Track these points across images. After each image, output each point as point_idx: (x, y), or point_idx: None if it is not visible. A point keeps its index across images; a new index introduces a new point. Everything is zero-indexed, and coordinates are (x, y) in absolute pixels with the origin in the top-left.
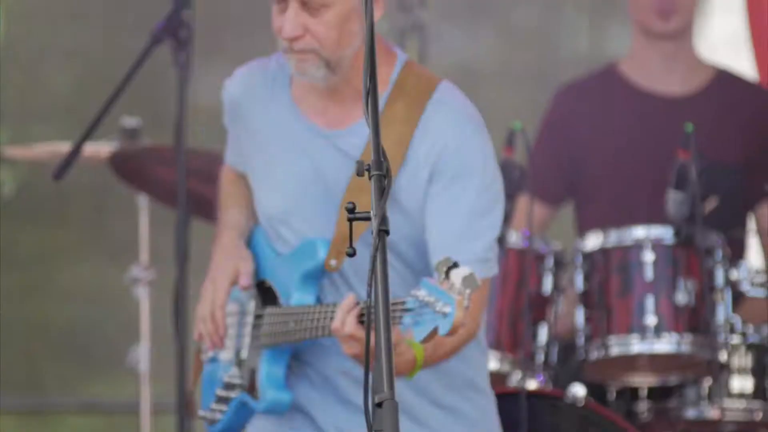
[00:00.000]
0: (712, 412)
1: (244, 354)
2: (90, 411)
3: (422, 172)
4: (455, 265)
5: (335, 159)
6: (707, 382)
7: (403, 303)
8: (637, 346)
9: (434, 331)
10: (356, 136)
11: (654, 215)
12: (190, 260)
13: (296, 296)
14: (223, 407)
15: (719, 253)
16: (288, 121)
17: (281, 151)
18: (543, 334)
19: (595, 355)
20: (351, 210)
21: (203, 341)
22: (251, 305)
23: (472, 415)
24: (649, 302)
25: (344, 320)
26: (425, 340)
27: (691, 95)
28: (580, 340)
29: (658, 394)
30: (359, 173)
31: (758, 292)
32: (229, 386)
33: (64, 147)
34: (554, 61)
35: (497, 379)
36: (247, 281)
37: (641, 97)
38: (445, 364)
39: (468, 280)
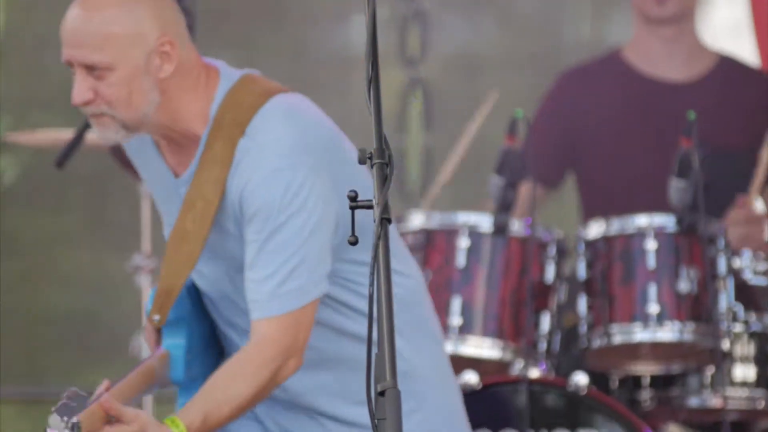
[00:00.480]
0: (714, 401)
1: None
2: None
3: (231, 215)
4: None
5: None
6: (710, 371)
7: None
8: (639, 334)
9: None
10: (186, 186)
11: (656, 202)
12: None
13: (165, 342)
14: None
15: (722, 242)
16: (158, 168)
17: (158, 197)
18: (545, 322)
19: (597, 343)
20: (353, 198)
21: None
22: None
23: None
24: (652, 290)
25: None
26: None
27: (694, 81)
28: (583, 329)
29: (660, 382)
30: (361, 161)
31: (760, 281)
32: None
33: (66, 134)
34: (557, 49)
35: (499, 367)
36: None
37: (644, 82)
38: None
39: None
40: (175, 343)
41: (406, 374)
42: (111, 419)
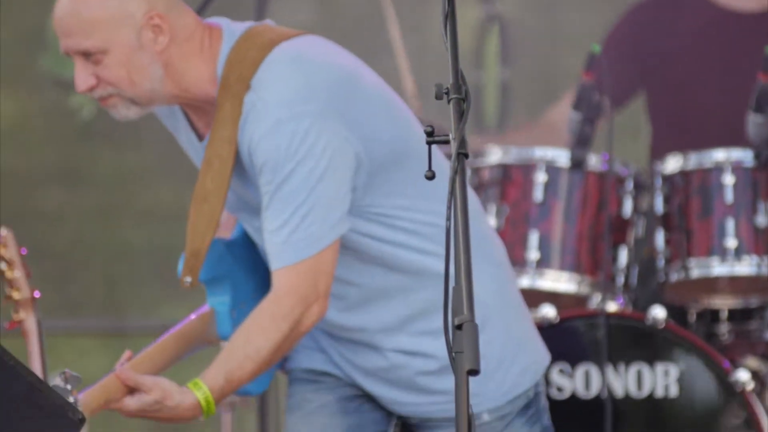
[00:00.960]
0: None
1: None
2: None
3: (248, 170)
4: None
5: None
6: None
7: None
8: (717, 268)
9: None
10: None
11: (729, 135)
12: None
13: (210, 300)
14: None
15: None
16: (188, 135)
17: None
18: (623, 256)
19: (675, 277)
20: (430, 133)
21: None
22: None
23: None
24: (730, 225)
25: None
26: None
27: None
28: (660, 263)
29: (738, 316)
30: (438, 96)
31: None
32: None
33: None
34: None
35: (577, 301)
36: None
37: (718, 12)
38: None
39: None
40: (220, 300)
41: None
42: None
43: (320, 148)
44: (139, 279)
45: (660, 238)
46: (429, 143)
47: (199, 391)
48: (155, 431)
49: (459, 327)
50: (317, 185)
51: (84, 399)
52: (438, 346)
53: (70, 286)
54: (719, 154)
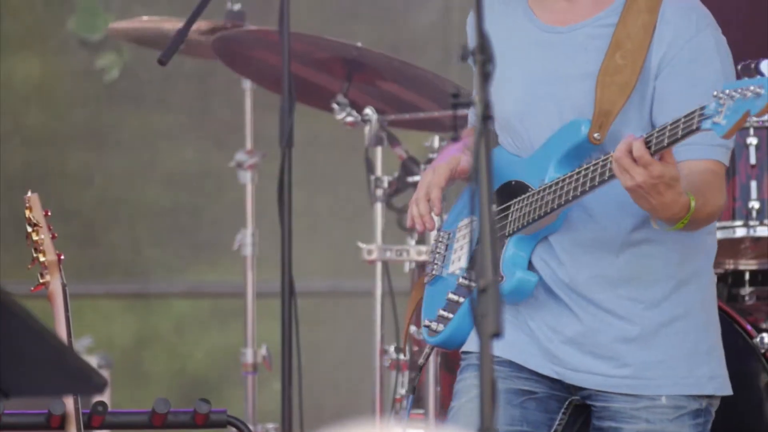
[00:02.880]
0: None
1: None
2: (195, 295)
3: (655, 59)
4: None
5: (567, 53)
6: None
7: (702, 109)
8: (740, 230)
9: (745, 115)
10: (591, 29)
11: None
12: (294, 145)
13: (551, 175)
14: (450, 314)
15: None
16: (523, 27)
17: (515, 57)
18: None
19: None
20: (455, 95)
21: (415, 225)
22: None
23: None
24: (753, 186)
25: (629, 144)
26: (733, 129)
27: None
28: None
29: (761, 278)
30: (464, 58)
31: None
32: (461, 288)
33: (168, 24)
34: None
35: None
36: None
37: None
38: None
39: None
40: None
41: (685, 281)
42: (649, 146)
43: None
44: (164, 241)
45: None
46: (453, 106)
47: (691, 197)
48: (180, 398)
49: (483, 290)
50: None
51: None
52: (643, 316)
53: (95, 249)
54: None
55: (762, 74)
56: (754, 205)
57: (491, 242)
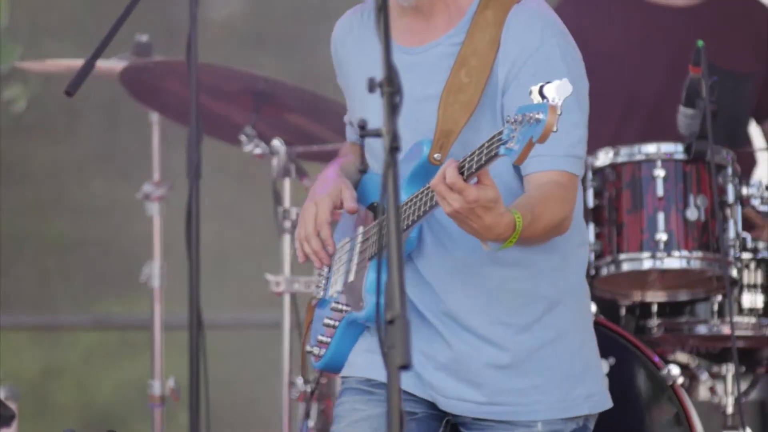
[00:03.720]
0: (722, 329)
1: (352, 276)
2: (102, 327)
3: (501, 73)
4: (545, 83)
5: (422, 74)
6: (718, 299)
7: (499, 134)
8: (647, 262)
9: (529, 143)
10: (442, 48)
11: (658, 128)
12: (202, 177)
13: (402, 197)
14: (328, 338)
15: (730, 169)
16: (377, 48)
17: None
18: None
19: (605, 271)
20: (363, 126)
21: (312, 260)
22: (359, 230)
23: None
24: (660, 218)
25: (443, 173)
26: (522, 155)
27: (697, 4)
28: (591, 257)
29: (668, 310)
30: (370, 90)
31: None
32: (335, 311)
33: (77, 63)
34: None
35: None
36: (352, 204)
37: (646, 7)
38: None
39: (561, 87)
40: None
41: (556, 302)
42: (462, 172)
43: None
44: (71, 273)
45: (590, 232)
46: (362, 136)
47: (516, 214)
48: (88, 430)
49: (391, 322)
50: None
51: None
52: (515, 341)
53: (2, 281)
54: (650, 148)
55: (544, 97)
56: (662, 237)
57: (398, 274)
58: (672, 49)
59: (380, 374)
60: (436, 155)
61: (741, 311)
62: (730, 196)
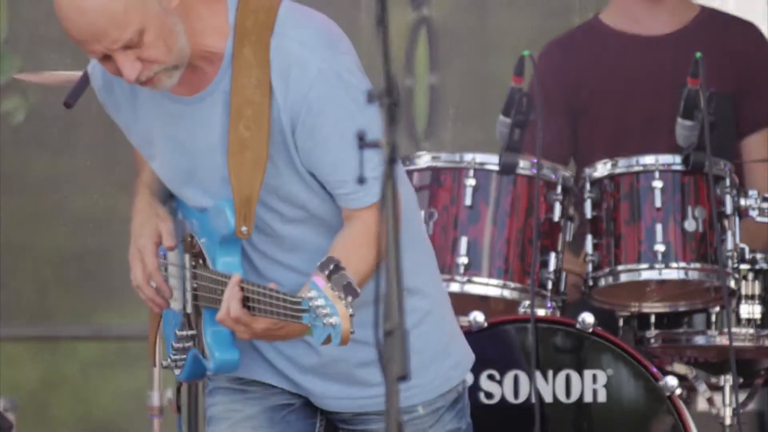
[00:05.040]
0: (720, 340)
1: (189, 308)
2: (101, 338)
3: (284, 116)
4: (336, 268)
5: (200, 123)
6: (715, 310)
7: (299, 303)
8: (645, 273)
9: (328, 339)
10: (212, 99)
11: (652, 145)
12: None
13: (221, 261)
14: (182, 358)
15: (728, 180)
16: (154, 97)
17: (158, 129)
18: (552, 262)
19: (603, 282)
20: (361, 138)
21: (150, 306)
22: (186, 258)
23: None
24: (658, 229)
25: (228, 307)
26: (323, 344)
27: (677, 31)
28: (589, 268)
29: (666, 321)
30: (369, 101)
31: (766, 220)
32: (181, 338)
33: (75, 75)
34: None
35: (505, 307)
36: (171, 241)
37: (626, 39)
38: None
39: (348, 288)
40: (230, 260)
41: (413, 291)
42: (247, 305)
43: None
44: (70, 284)
45: (589, 243)
46: (361, 147)
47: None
48: None
49: (389, 333)
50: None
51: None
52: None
53: (1, 292)
54: (648, 159)
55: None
56: (660, 248)
57: (397, 286)
58: (659, 77)
59: (248, 372)
60: (243, 228)
61: (739, 322)
62: (728, 207)
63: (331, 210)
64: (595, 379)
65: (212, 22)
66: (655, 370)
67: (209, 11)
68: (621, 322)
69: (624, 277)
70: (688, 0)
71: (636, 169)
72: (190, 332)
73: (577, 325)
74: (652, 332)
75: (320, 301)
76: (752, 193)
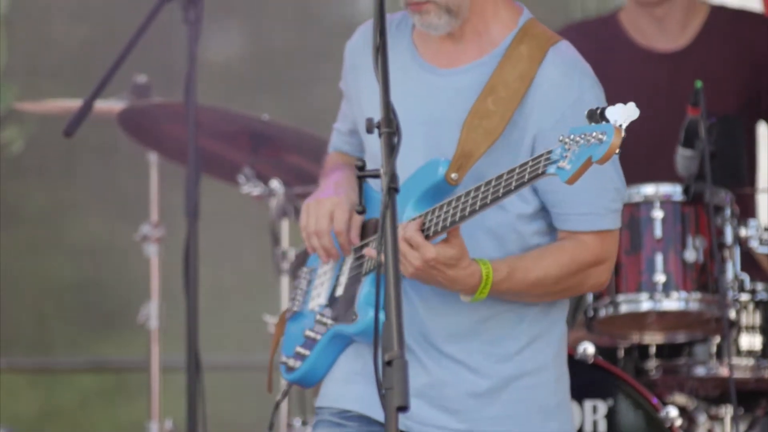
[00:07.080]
0: (720, 370)
1: (340, 291)
2: (99, 369)
3: (535, 113)
4: (605, 107)
5: (449, 96)
6: (716, 340)
7: (548, 153)
8: (645, 303)
9: (587, 162)
10: (471, 74)
11: (652, 172)
12: (200, 218)
13: (408, 214)
14: (307, 351)
15: (728, 211)
16: (404, 62)
17: (392, 92)
18: None
19: (603, 312)
20: (361, 168)
21: (320, 254)
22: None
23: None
24: (658, 260)
25: (405, 227)
26: (576, 175)
27: (685, 46)
28: (589, 298)
29: (667, 351)
30: (369, 131)
31: (767, 250)
32: (319, 324)
33: (74, 103)
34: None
35: None
36: (354, 238)
37: (636, 50)
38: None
39: (627, 110)
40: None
41: (536, 336)
42: (423, 229)
43: None
44: (68, 315)
45: None
46: (359, 177)
47: (485, 266)
48: None
49: (389, 363)
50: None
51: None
52: (495, 369)
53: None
54: (648, 189)
55: (607, 120)
56: (660, 278)
57: (396, 315)
58: (659, 94)
59: (355, 405)
60: (453, 175)
61: (739, 353)
62: (729, 238)
63: (505, 223)
64: (595, 409)
65: (504, 15)
66: (655, 401)
67: (506, 8)
68: (621, 353)
69: (624, 308)
70: (695, 4)
71: (636, 199)
72: (331, 316)
73: (577, 356)
74: (653, 363)
75: (581, 135)
76: (753, 222)
